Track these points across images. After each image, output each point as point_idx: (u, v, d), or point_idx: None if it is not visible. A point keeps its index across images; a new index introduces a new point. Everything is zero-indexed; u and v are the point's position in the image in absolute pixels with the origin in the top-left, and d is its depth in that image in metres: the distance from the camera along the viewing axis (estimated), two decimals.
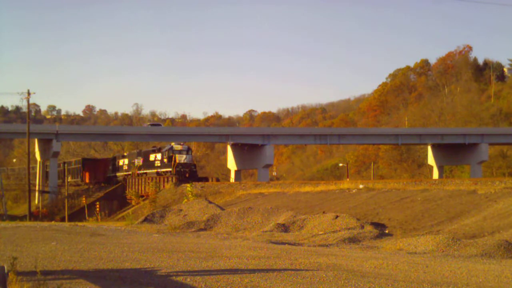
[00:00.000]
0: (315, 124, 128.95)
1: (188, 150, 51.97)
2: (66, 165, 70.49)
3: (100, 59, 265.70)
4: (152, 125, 69.99)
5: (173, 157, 49.87)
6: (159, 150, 53.49)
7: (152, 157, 53.94)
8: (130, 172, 57.13)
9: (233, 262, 12.61)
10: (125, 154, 62.72)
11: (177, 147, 51.62)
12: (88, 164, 68.47)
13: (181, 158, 50.15)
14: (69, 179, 68.60)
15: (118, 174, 60.93)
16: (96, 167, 66.56)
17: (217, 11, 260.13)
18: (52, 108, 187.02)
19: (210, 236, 21.16)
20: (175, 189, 45.45)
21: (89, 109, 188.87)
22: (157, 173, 51.94)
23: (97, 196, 56.94)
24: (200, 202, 30.24)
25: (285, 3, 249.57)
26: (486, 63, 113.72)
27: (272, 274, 10.84)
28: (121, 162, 60.91)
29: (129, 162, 58.47)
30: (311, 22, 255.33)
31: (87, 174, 67.53)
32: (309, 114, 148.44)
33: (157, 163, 52.48)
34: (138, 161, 56.11)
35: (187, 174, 49.74)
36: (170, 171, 49.94)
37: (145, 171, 54.34)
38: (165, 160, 50.99)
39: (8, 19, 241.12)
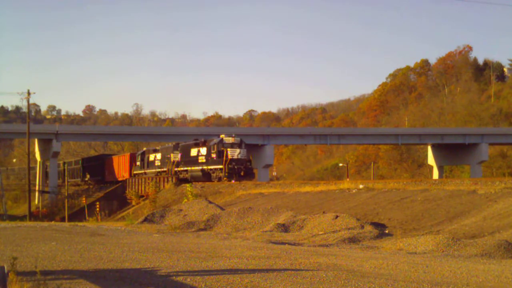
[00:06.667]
0: (315, 124, 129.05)
1: (241, 144, 43.43)
2: (84, 162, 69.91)
3: (100, 59, 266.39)
4: None
5: (224, 152, 42.01)
6: (204, 144, 45.06)
7: (194, 151, 46.05)
8: (165, 169, 50.04)
9: (233, 262, 12.60)
10: (157, 148, 54.75)
11: (228, 139, 43.13)
12: (109, 161, 64.39)
13: (234, 153, 42.36)
14: (87, 177, 67.57)
15: (148, 171, 53.76)
16: (119, 164, 61.14)
17: (217, 11, 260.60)
18: (52, 108, 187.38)
19: (210, 236, 21.15)
20: (175, 189, 45.34)
21: (89, 109, 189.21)
22: (202, 170, 44.26)
23: (97, 196, 56.94)
24: (200, 202, 30.20)
25: (285, 3, 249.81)
26: (486, 63, 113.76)
27: (272, 274, 10.83)
28: (151, 157, 53.56)
29: (163, 157, 51.18)
30: (311, 22, 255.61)
31: (107, 172, 63.99)
32: (309, 114, 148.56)
33: (202, 159, 44.65)
34: (175, 156, 48.66)
35: (242, 172, 42.33)
36: (221, 169, 42.46)
37: (185, 168, 46.81)
38: (213, 155, 43.00)
39: (8, 20, 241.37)
